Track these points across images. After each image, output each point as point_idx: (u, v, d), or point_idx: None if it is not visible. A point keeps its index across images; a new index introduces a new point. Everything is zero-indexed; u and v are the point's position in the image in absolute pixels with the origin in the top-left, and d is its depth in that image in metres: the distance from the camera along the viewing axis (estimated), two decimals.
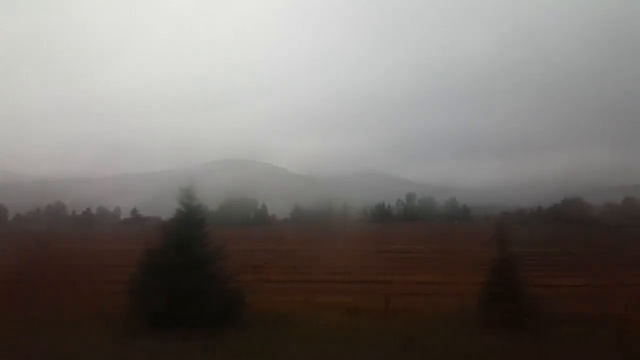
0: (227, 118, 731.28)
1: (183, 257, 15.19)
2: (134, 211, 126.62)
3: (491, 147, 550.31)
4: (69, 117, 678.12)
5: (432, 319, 15.24)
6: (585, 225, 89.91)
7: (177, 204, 15.75)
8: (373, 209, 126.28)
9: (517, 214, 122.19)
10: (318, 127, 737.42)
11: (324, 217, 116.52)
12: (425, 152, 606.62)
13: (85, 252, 44.04)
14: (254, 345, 12.18)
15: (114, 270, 24.31)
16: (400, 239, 61.84)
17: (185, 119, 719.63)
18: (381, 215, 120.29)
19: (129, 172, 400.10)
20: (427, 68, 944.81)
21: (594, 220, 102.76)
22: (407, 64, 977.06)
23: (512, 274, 15.73)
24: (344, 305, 17.24)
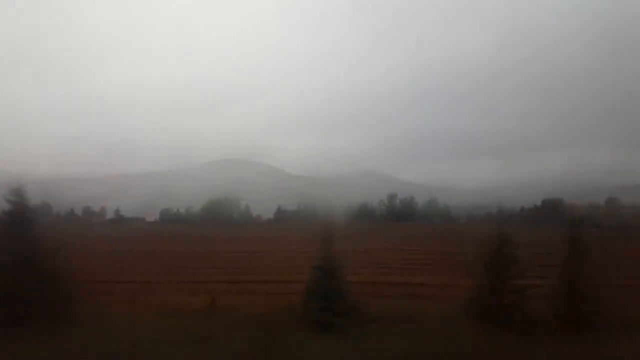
0: (226, 118, 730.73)
1: (6, 257, 15.53)
2: (117, 212, 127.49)
3: (491, 147, 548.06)
4: (68, 117, 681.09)
5: (249, 318, 15.48)
6: (561, 225, 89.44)
7: (5, 204, 16.11)
8: (357, 209, 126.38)
9: (499, 215, 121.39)
10: (318, 127, 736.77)
11: (305, 217, 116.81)
12: (425, 152, 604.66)
13: None
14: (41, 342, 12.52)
15: None
16: (363, 239, 61.82)
17: (185, 119, 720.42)
18: (364, 215, 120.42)
19: (128, 172, 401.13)
20: (427, 68, 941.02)
21: (578, 221, 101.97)
22: (407, 64, 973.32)
23: (331, 273, 15.97)
24: (188, 306, 17.53)
